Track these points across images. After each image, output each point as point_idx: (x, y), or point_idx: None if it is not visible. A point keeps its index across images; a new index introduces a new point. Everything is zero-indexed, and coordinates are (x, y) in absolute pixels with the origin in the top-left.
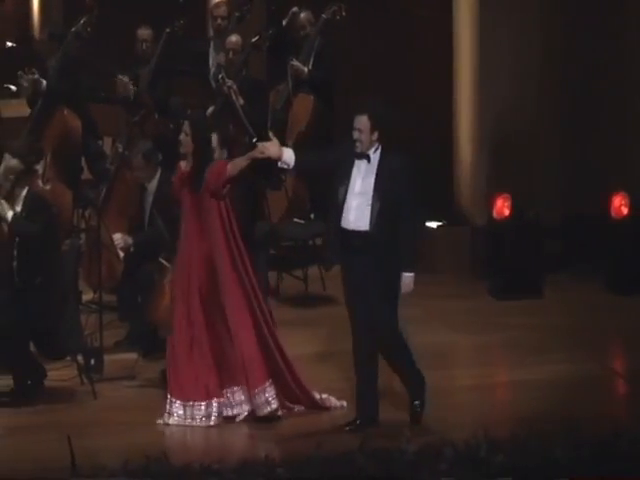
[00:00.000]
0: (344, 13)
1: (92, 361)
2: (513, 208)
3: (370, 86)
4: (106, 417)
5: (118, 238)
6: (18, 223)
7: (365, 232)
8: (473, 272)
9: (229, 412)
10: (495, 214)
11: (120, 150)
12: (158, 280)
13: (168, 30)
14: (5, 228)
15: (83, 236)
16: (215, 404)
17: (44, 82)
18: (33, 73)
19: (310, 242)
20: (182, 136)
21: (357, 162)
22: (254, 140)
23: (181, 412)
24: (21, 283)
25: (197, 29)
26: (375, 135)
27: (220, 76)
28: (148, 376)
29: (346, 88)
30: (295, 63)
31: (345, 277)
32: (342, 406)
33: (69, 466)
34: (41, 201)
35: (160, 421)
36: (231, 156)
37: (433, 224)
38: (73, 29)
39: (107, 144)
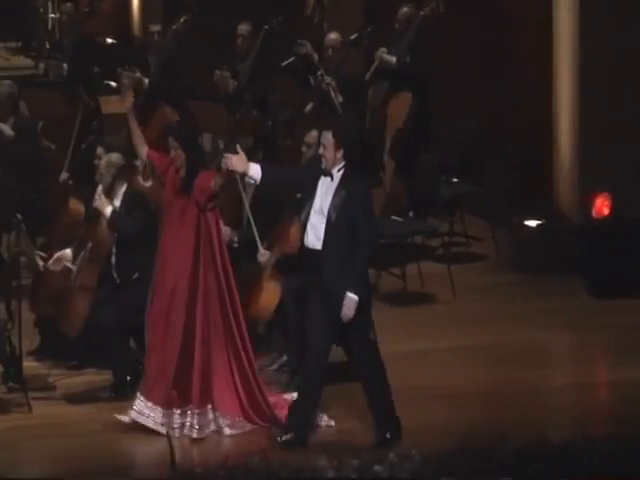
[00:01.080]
0: (442, 10)
1: None
2: (612, 207)
3: (468, 85)
4: None
5: (227, 230)
6: (117, 219)
7: (318, 251)
8: (572, 271)
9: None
10: (594, 213)
11: (220, 147)
12: (256, 276)
13: (267, 27)
14: (104, 223)
15: None
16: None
17: (145, 79)
18: (134, 71)
19: (408, 240)
20: (172, 152)
21: (323, 179)
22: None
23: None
24: (120, 279)
25: (294, 27)
26: (340, 153)
27: (319, 73)
28: None
29: (443, 86)
30: (383, 55)
31: (308, 292)
32: (329, 426)
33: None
34: (140, 198)
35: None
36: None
37: (532, 223)
38: (174, 27)
39: (207, 141)
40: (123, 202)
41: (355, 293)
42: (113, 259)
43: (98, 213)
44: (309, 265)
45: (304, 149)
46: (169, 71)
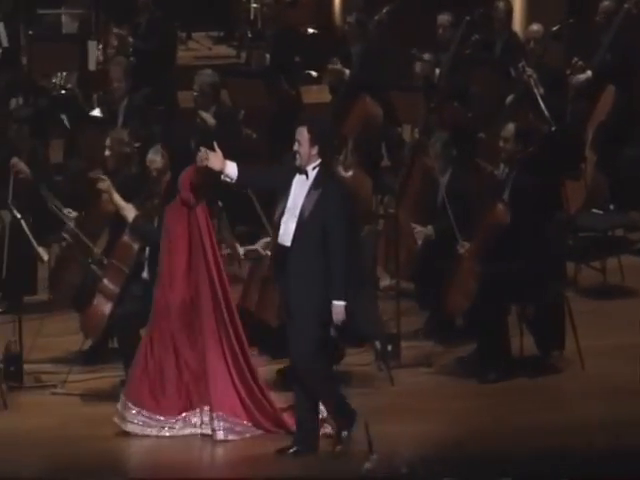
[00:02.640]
0: None
1: (389, 347)
2: None
3: None
4: (402, 403)
5: (420, 233)
6: None
7: (287, 248)
8: None
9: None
10: None
11: (417, 137)
12: (455, 269)
13: (468, 18)
14: None
15: (381, 223)
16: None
17: (346, 70)
18: (335, 61)
19: (609, 233)
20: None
21: (298, 177)
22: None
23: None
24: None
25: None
26: (315, 149)
27: (520, 65)
28: (444, 363)
29: None
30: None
31: (279, 290)
32: (329, 434)
33: (365, 450)
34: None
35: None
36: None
37: None
38: (376, 17)
39: (407, 131)
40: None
41: (340, 299)
42: None
43: None
44: (278, 262)
45: (501, 143)
46: (371, 61)
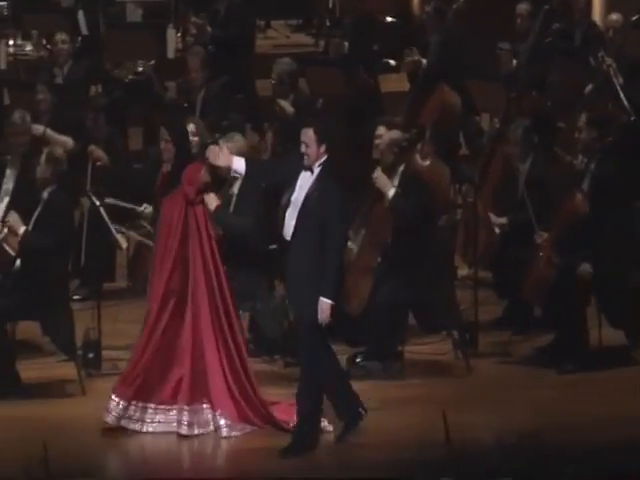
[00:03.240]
0: None
1: (467, 336)
2: None
3: None
4: (480, 393)
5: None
6: (397, 201)
7: (287, 242)
8: None
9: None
10: None
11: (497, 126)
12: (533, 259)
13: (547, 7)
14: (386, 204)
15: (460, 212)
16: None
17: (423, 60)
18: (413, 50)
19: None
20: (162, 144)
21: (303, 173)
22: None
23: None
24: (396, 256)
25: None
26: (322, 148)
27: (600, 54)
28: (522, 353)
29: None
30: None
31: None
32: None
33: (442, 439)
34: (416, 178)
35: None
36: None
37: None
38: (454, 6)
39: (485, 120)
40: (401, 182)
41: (328, 297)
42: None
43: (380, 193)
44: (283, 254)
45: (576, 134)
46: (448, 51)
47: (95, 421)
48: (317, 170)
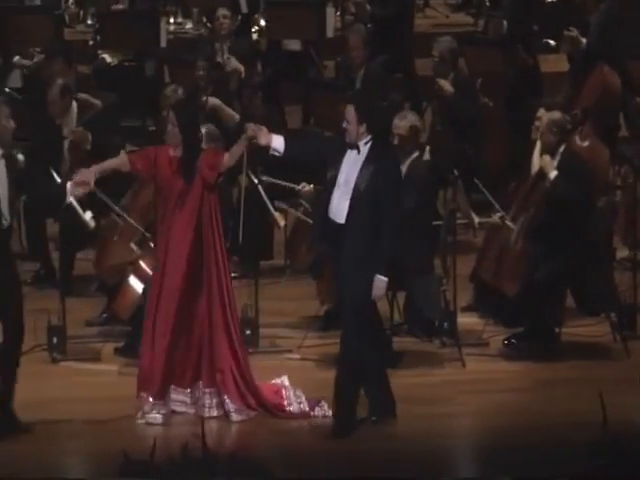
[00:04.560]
0: None
1: (625, 319)
2: None
3: None
4: (638, 375)
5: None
6: (558, 183)
7: (341, 225)
8: None
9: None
10: None
11: None
12: None
13: None
14: (547, 184)
15: (619, 194)
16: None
17: (583, 39)
18: (572, 30)
19: None
20: (169, 127)
21: (349, 152)
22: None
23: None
24: (554, 238)
25: None
26: (363, 127)
27: None
28: None
29: None
30: None
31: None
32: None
33: (599, 421)
34: (576, 159)
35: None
36: None
37: None
38: None
39: None
40: (560, 163)
41: (383, 274)
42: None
43: (539, 175)
44: (329, 237)
45: None
46: (609, 31)
47: None
48: (365, 150)
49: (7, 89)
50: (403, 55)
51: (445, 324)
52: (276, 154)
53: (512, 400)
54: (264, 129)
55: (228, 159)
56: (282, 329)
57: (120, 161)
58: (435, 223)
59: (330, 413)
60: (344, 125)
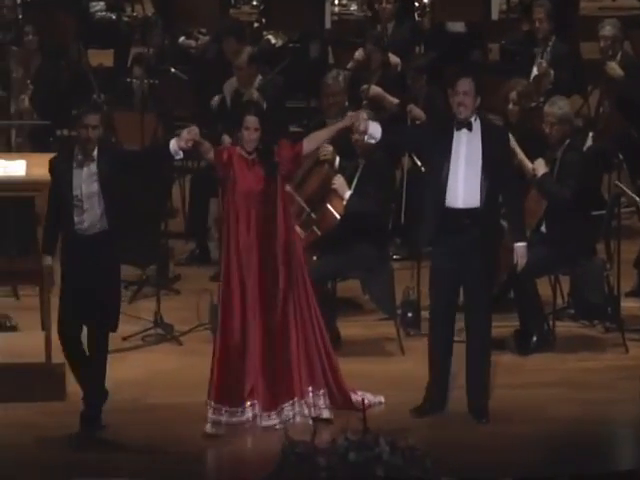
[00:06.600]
0: None
1: None
2: None
3: None
4: None
5: None
6: None
7: (475, 209)
8: None
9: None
10: None
11: None
12: None
13: None
14: None
15: None
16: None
17: None
18: None
19: None
20: (248, 133)
21: (456, 134)
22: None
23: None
24: None
25: None
26: (478, 100)
27: None
28: None
29: None
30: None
31: (439, 260)
32: (380, 402)
33: None
34: None
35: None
36: None
37: None
38: None
39: None
40: None
41: (522, 241)
42: None
43: None
44: (456, 225)
45: None
46: None
47: (413, 380)
48: (477, 125)
49: (173, 69)
50: (569, 38)
51: (608, 309)
52: (372, 141)
53: None
54: (363, 114)
55: (307, 145)
56: None
57: (210, 146)
58: (595, 213)
59: (382, 399)
60: (459, 99)
